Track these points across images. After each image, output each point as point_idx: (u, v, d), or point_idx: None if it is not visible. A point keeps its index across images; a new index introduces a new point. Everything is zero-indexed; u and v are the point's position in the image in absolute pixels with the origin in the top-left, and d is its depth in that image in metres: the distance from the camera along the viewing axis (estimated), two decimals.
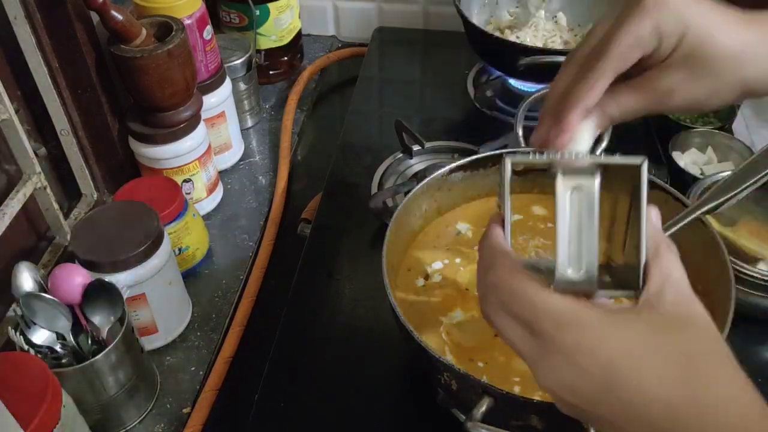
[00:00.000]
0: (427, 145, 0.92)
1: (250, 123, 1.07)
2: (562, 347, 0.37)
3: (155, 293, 0.71)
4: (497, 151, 0.72)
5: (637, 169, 0.40)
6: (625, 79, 0.46)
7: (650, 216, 0.41)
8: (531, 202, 0.73)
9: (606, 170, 0.41)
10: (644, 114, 0.47)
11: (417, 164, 0.93)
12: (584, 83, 0.45)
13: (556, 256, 0.40)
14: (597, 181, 0.40)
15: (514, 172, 0.74)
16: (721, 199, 0.59)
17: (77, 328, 0.65)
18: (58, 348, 0.64)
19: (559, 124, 0.45)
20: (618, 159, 0.41)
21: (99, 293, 0.65)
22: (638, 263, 0.40)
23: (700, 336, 0.37)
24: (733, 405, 0.35)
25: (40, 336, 0.64)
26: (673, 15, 0.43)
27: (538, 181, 0.73)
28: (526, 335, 0.39)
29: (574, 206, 0.40)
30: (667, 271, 0.39)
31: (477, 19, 1.07)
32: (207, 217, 0.91)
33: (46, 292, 0.64)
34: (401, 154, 0.93)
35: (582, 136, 0.45)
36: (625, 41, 0.44)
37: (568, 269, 0.40)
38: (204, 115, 0.89)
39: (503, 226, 0.42)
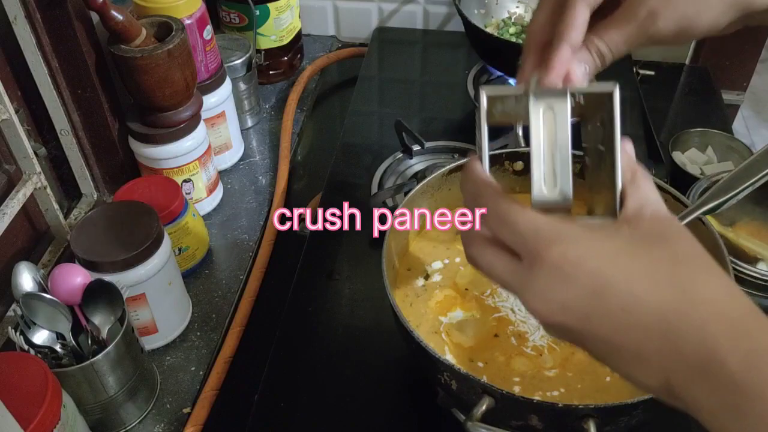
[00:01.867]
0: (427, 145, 0.92)
1: (250, 123, 1.07)
2: (548, 262, 0.36)
3: (155, 293, 0.71)
4: (497, 151, 0.72)
5: (609, 96, 0.40)
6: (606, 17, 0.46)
7: (625, 147, 0.41)
8: None
9: (583, 103, 0.41)
10: (636, 46, 0.46)
11: (417, 164, 0.93)
12: (563, 21, 0.44)
13: (531, 175, 0.41)
14: (568, 100, 0.40)
15: (515, 173, 0.74)
16: (721, 199, 0.59)
17: (77, 328, 0.65)
18: (58, 348, 0.64)
19: (546, 64, 0.44)
20: (590, 87, 0.42)
21: (99, 293, 0.65)
22: (614, 189, 0.40)
23: (682, 244, 0.37)
24: (726, 301, 0.35)
25: (40, 336, 0.64)
26: None
27: None
28: (513, 262, 0.39)
29: (547, 126, 0.40)
30: (644, 194, 0.39)
31: (477, 19, 1.07)
32: (207, 217, 0.91)
33: (46, 292, 0.64)
34: (401, 154, 0.93)
35: (575, 78, 0.45)
36: None
37: (543, 187, 0.41)
38: (204, 115, 0.89)
39: (482, 161, 0.42)
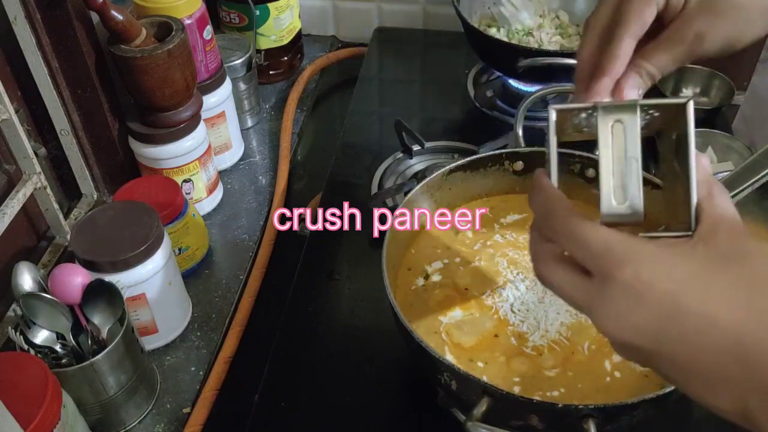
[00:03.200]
0: (427, 145, 0.92)
1: (250, 123, 1.07)
2: (621, 282, 0.36)
3: (155, 293, 0.71)
4: (497, 151, 0.72)
5: (682, 108, 0.40)
6: (651, 36, 0.47)
7: (701, 161, 0.40)
8: None
9: (657, 117, 0.41)
10: (681, 64, 0.47)
11: (417, 164, 0.93)
12: (607, 53, 0.46)
13: (600, 188, 0.40)
14: (638, 112, 0.40)
15: (515, 173, 0.74)
16: None
17: (77, 328, 0.65)
18: (58, 348, 0.64)
19: (588, 93, 0.46)
20: (661, 99, 0.41)
21: (99, 293, 0.65)
22: (689, 204, 0.39)
23: (760, 263, 0.36)
24: None
25: (40, 336, 0.64)
26: None
27: None
28: (584, 280, 0.38)
29: (617, 139, 0.40)
30: (721, 210, 0.38)
31: (476, 20, 1.07)
32: (207, 217, 0.91)
33: (46, 292, 0.64)
34: (401, 154, 0.93)
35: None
36: (637, 2, 0.45)
37: (612, 201, 0.40)
38: (204, 115, 0.89)
39: (550, 176, 0.42)
